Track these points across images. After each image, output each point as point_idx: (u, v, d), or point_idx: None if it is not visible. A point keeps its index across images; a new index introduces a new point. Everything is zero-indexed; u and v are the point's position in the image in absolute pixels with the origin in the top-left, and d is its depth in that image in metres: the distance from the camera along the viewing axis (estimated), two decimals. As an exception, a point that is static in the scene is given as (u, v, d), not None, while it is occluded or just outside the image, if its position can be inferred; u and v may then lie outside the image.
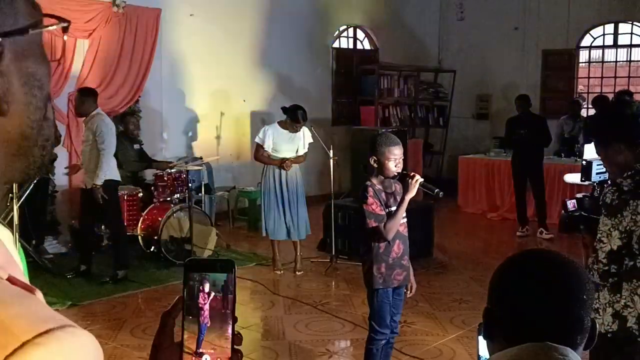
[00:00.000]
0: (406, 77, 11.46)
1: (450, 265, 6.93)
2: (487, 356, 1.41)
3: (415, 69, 11.54)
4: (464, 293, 5.87)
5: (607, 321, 2.61)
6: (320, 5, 10.34)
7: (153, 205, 6.84)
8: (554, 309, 1.28)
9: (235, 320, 1.03)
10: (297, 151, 6.46)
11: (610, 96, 10.29)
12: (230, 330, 1.02)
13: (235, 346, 1.02)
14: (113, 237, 6.38)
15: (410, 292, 3.87)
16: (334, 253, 6.79)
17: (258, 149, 6.42)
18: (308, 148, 6.57)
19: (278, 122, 6.46)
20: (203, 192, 7.50)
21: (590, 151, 2.87)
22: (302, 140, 6.47)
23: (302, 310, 5.55)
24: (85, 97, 6.03)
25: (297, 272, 6.54)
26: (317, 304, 5.65)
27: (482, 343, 1.44)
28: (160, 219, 6.64)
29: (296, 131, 6.36)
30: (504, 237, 8.38)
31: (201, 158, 7.68)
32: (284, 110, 6.44)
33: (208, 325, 1.03)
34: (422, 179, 3.56)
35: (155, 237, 6.59)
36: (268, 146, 6.33)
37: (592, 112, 9.96)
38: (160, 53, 8.20)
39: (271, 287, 6.11)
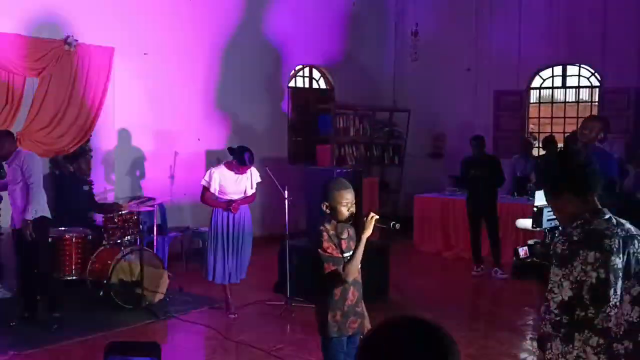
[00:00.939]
0: (362, 116, 11.54)
1: (406, 306, 6.88)
2: None
3: (371, 108, 11.64)
4: (419, 335, 5.81)
5: (560, 372, 2.58)
6: (276, 45, 10.39)
7: (102, 247, 6.65)
8: None
9: None
10: (245, 192, 6.37)
11: (560, 136, 10.55)
12: None
13: None
14: (41, 277, 6.06)
15: None
16: (289, 295, 6.69)
17: (204, 192, 6.31)
18: (256, 188, 6.50)
19: (224, 163, 6.39)
20: (155, 234, 7.34)
21: (540, 197, 2.87)
22: (249, 181, 6.39)
23: (255, 356, 5.40)
24: (3, 139, 5.92)
25: (230, 316, 6.42)
26: (271, 349, 5.51)
27: None
28: (109, 262, 6.44)
29: (243, 173, 6.28)
30: (460, 277, 8.39)
31: (154, 199, 7.52)
32: (230, 151, 6.37)
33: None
34: (377, 216, 3.54)
35: (105, 281, 6.38)
36: (214, 189, 6.24)
37: (542, 152, 10.17)
38: (112, 91, 8.08)
39: (223, 332, 5.96)
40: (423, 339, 1.34)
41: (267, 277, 7.36)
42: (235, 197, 6.29)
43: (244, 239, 6.41)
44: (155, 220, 7.50)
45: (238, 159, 6.21)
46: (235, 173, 6.28)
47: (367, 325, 3.78)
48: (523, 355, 5.57)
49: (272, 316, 6.50)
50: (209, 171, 6.38)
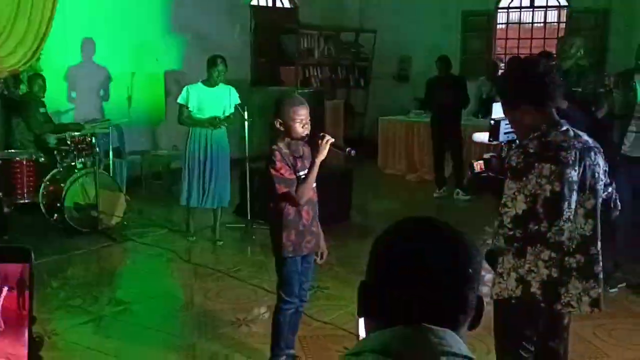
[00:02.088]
0: (327, 37, 11.23)
1: (367, 229, 6.84)
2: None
3: (336, 29, 11.33)
4: (380, 256, 5.79)
5: (511, 286, 2.54)
6: (237, -39, 9.94)
7: (56, 170, 6.43)
8: (432, 286, 1.12)
9: (33, 321, 0.83)
10: (223, 112, 6.13)
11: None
12: (27, 335, 0.82)
13: (34, 353, 0.82)
14: None
15: (321, 259, 3.75)
16: (249, 218, 6.60)
17: (182, 111, 6.02)
18: (235, 111, 6.25)
19: (201, 81, 6.11)
20: (112, 156, 7.13)
21: (498, 110, 2.76)
22: (228, 99, 6.13)
23: (214, 277, 5.35)
24: None
25: (217, 243, 6.27)
26: (230, 271, 5.47)
27: (362, 322, 1.29)
28: (63, 184, 6.25)
29: (217, 81, 5.99)
30: (422, 198, 8.38)
31: (109, 120, 7.26)
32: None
33: (1, 329, 0.82)
34: (332, 139, 3.41)
35: (59, 204, 6.21)
36: (193, 106, 5.98)
37: (509, 73, 10.05)
38: (64, 6, 7.65)
39: (183, 254, 5.88)
40: (444, 242, 1.16)
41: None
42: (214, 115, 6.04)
43: (222, 161, 6.21)
44: (112, 143, 7.29)
45: (210, 63, 5.96)
46: (212, 86, 6.01)
47: (322, 244, 3.72)
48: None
49: (232, 239, 6.43)
50: (185, 88, 6.06)
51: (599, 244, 2.51)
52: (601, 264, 2.52)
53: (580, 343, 3.85)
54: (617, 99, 4.50)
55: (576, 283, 2.49)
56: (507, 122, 2.73)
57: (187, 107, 5.97)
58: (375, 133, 10.18)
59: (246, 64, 10.39)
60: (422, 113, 9.49)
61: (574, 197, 2.39)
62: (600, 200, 2.50)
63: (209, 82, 6.02)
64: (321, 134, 3.44)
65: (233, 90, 6.16)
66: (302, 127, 3.45)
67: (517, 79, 2.53)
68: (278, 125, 3.47)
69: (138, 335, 4.24)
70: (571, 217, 2.39)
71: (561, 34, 10.49)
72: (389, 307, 1.15)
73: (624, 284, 4.90)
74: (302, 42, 10.75)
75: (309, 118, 3.50)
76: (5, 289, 0.81)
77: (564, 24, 10.65)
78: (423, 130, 9.13)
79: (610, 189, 2.63)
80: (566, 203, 2.36)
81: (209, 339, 4.21)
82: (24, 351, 0.80)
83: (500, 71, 10.34)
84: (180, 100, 6.02)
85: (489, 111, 9.24)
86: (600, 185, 2.49)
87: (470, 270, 1.14)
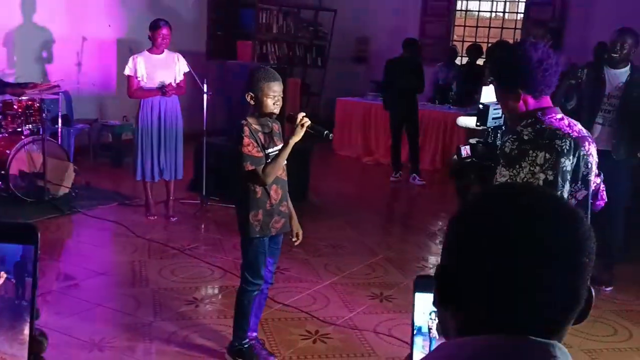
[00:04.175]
0: (286, 13, 11.01)
1: (324, 210, 6.75)
2: (425, 327, 1.08)
3: (296, 5, 11.12)
4: (338, 238, 5.71)
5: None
6: None
7: (0, 136, 6.08)
8: (547, 275, 0.88)
9: (36, 315, 0.68)
10: (174, 80, 5.90)
11: (484, 46, 10.44)
12: (27, 331, 0.67)
13: (35, 354, 0.68)
14: None
15: (297, 239, 3.62)
16: (204, 194, 6.41)
17: (131, 82, 5.74)
18: (185, 80, 6.02)
19: (147, 49, 5.86)
20: (60, 124, 6.79)
21: (487, 94, 2.67)
22: (177, 66, 5.90)
23: (168, 255, 5.16)
24: None
25: (171, 219, 6.07)
26: (185, 249, 5.28)
27: (419, 308, 1.08)
28: (8, 151, 5.92)
29: (162, 45, 5.76)
30: (378, 182, 8.33)
31: (58, 86, 6.91)
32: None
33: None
34: (309, 122, 3.28)
35: (3, 172, 5.88)
36: (141, 75, 5.72)
37: (465, 60, 10.05)
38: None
39: (135, 230, 5.65)
40: (554, 213, 0.92)
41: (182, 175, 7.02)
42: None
43: (176, 132, 5.97)
44: (60, 110, 6.94)
45: (153, 27, 5.70)
46: (158, 53, 5.76)
47: (295, 225, 3.59)
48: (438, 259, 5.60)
49: (186, 215, 6.22)
50: (131, 58, 5.79)
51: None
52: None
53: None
54: (586, 91, 4.49)
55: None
56: (496, 107, 2.64)
57: (136, 78, 5.73)
58: (330, 114, 10.06)
59: (203, 36, 10.10)
60: (379, 96, 9.40)
61: (567, 187, 2.33)
62: (590, 191, 2.46)
63: (155, 49, 5.79)
64: (299, 114, 3.31)
65: (180, 56, 5.95)
66: (274, 104, 3.31)
67: (514, 63, 2.44)
68: (249, 99, 3.32)
69: (90, 313, 4.03)
70: (562, 207, 2.33)
71: (519, 25, 10.57)
72: (485, 304, 0.91)
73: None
74: (260, 17, 10.51)
75: (282, 94, 3.37)
76: (3, 275, 0.66)
77: (522, 14, 10.72)
78: (380, 112, 9.05)
79: (598, 180, 2.59)
80: (559, 193, 2.29)
81: (166, 318, 4.04)
82: (22, 351, 0.66)
83: (458, 57, 10.38)
84: (127, 71, 5.76)
85: (444, 97, 9.28)
86: (591, 177, 2.44)
87: (586, 259, 0.91)
